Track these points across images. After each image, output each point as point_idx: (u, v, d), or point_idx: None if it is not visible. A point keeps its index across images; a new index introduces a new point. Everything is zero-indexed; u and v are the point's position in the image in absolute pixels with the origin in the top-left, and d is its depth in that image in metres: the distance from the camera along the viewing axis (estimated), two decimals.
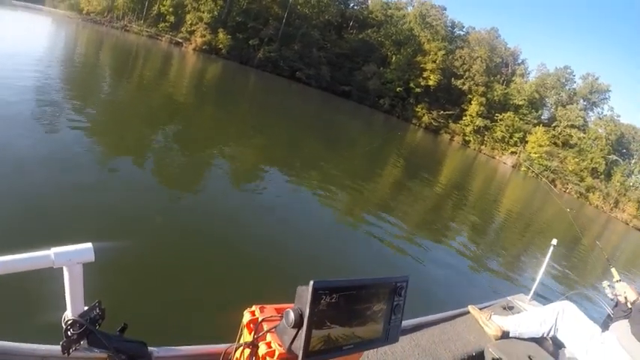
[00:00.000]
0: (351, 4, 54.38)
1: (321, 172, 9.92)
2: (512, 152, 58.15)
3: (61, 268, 0.93)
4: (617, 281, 2.55)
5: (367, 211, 8.22)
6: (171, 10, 49.73)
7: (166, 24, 49.60)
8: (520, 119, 57.93)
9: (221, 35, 46.34)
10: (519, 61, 61.25)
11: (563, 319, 2.53)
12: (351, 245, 6.12)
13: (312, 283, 0.94)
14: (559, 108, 62.19)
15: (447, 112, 51.07)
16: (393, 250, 6.58)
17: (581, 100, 64.33)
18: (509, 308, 3.11)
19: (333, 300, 0.98)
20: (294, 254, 4.91)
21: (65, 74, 13.35)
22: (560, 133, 61.11)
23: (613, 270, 2.70)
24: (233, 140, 10.27)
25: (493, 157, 56.35)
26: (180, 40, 47.95)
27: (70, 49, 22.76)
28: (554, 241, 3.24)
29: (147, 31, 49.57)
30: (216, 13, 47.60)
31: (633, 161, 65.46)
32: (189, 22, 48.25)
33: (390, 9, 53.34)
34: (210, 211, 5.24)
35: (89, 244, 0.96)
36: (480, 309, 2.99)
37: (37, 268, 0.88)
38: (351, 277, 1.07)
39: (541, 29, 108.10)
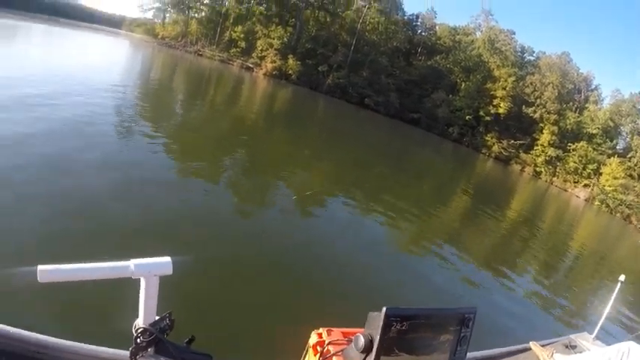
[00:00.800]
0: (419, 31, 54.12)
1: (389, 199, 9.85)
2: (585, 185, 54.76)
3: (138, 279, 0.97)
4: None
5: (434, 240, 8.23)
6: (242, 36, 51.72)
7: (238, 49, 51.54)
8: (594, 149, 54.70)
9: (291, 61, 47.41)
10: (592, 86, 58.18)
11: None
12: (417, 273, 6.14)
13: (384, 309, 0.96)
14: (635, 137, 58.19)
15: (518, 142, 48.97)
16: (457, 280, 6.54)
17: None
18: (572, 347, 2.99)
19: (403, 327, 0.99)
20: (361, 280, 4.94)
21: (142, 95, 14.15)
22: (636, 165, 56.95)
23: None
24: (302, 164, 10.40)
25: (565, 190, 53.32)
26: (251, 65, 49.51)
27: (146, 71, 24.06)
28: (622, 278, 3.07)
29: (219, 56, 51.70)
30: (285, 39, 48.96)
31: None
32: (259, 48, 49.85)
33: (458, 34, 52.54)
34: (281, 232, 5.34)
35: (168, 258, 0.99)
36: (542, 346, 2.88)
37: (117, 277, 0.93)
38: (416, 305, 1.05)
39: (615, 53, 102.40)
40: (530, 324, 5.90)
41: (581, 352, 2.91)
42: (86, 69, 15.54)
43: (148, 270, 0.97)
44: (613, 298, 3.18)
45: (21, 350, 1.12)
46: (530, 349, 2.86)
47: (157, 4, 62.41)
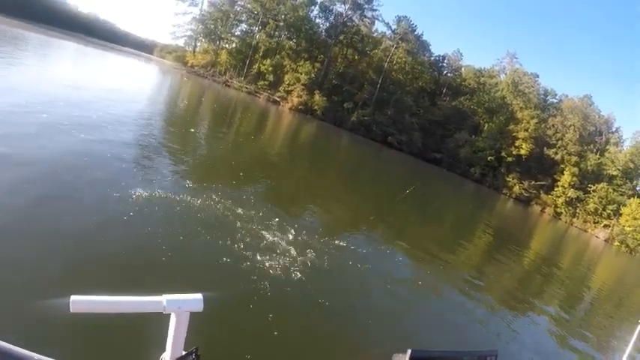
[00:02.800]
0: (445, 72, 55.48)
1: (411, 237, 10.10)
2: (605, 225, 54.85)
3: (169, 314, 0.99)
4: None
5: (455, 280, 8.31)
6: (270, 69, 53.54)
7: (265, 82, 53.33)
8: (614, 190, 54.93)
9: (317, 97, 48.96)
10: (613, 129, 58.71)
11: None
12: (437, 314, 6.22)
13: (409, 351, 0.96)
14: None
15: (539, 183, 49.58)
16: (478, 321, 6.61)
17: None
18: None
19: None
20: (379, 321, 4.96)
21: (168, 122, 14.40)
22: None
23: None
24: (326, 200, 10.45)
25: (585, 231, 53.44)
26: (277, 99, 51.18)
27: (174, 99, 24.52)
28: None
29: (246, 88, 53.48)
30: (313, 75, 50.60)
31: None
32: (287, 82, 51.55)
33: (482, 76, 53.76)
34: (307, 271, 5.33)
35: (199, 295, 1.01)
36: None
37: (148, 311, 0.94)
38: (438, 347, 1.10)
39: (634, 94, 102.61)
40: None
41: None
42: (116, 94, 15.97)
43: (179, 306, 0.98)
44: (632, 342, 3.20)
45: None
46: None
47: (189, 33, 64.93)
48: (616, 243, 54.11)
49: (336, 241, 7.07)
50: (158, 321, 1.01)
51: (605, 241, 53.71)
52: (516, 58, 54.39)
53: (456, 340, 5.29)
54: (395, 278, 6.83)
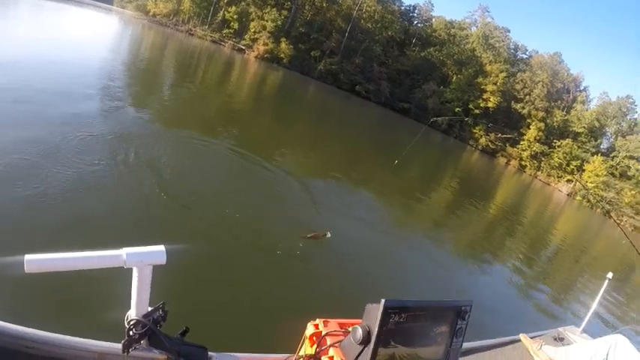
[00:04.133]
0: (415, 22, 54.30)
1: (376, 188, 10.03)
2: (568, 180, 56.23)
3: (131, 269, 0.94)
4: None
5: (421, 232, 8.42)
6: (235, 17, 51.09)
7: (230, 30, 50.97)
8: (578, 147, 56.13)
9: (283, 45, 47.16)
10: (581, 88, 59.38)
11: (615, 354, 2.46)
12: (408, 266, 6.22)
13: (383, 301, 0.95)
14: (619, 138, 59.86)
15: (505, 136, 49.90)
16: (446, 272, 6.66)
17: None
18: (560, 339, 3.10)
19: (401, 319, 0.99)
20: (356, 271, 4.99)
21: (129, 74, 13.84)
22: (618, 164, 58.71)
23: None
24: (292, 150, 10.31)
25: (548, 184, 54.69)
26: (242, 47, 49.09)
27: (135, 50, 23.47)
28: (610, 275, 3.23)
29: (211, 36, 51.05)
30: (279, 22, 48.55)
31: None
32: (252, 30, 49.40)
33: (453, 28, 52.96)
34: (277, 222, 5.30)
35: (162, 247, 0.96)
36: (531, 338, 2.99)
37: (108, 266, 0.89)
38: (412, 297, 1.07)
39: (605, 56, 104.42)
40: (520, 316, 6.17)
41: (569, 344, 3.02)
42: (73, 48, 15.19)
43: (141, 259, 0.93)
44: (600, 294, 3.31)
45: (10, 345, 1.07)
46: (519, 340, 2.98)
47: None
48: (578, 198, 55.71)
49: (302, 191, 6.77)
50: (123, 278, 1.00)
51: (567, 195, 55.16)
52: (488, 12, 53.72)
53: (428, 292, 5.28)
54: (363, 229, 6.57)
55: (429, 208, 10.84)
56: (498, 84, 49.41)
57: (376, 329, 0.96)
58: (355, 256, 5.45)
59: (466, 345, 2.44)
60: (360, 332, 0.99)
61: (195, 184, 5.57)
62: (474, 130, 49.11)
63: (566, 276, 10.73)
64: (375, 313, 0.97)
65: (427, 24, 53.67)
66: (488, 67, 50.05)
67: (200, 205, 4.97)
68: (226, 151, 7.76)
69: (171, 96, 12.67)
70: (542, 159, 53.57)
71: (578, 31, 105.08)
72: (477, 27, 53.53)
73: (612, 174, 57.82)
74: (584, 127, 56.24)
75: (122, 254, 0.90)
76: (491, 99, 49.09)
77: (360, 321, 1.05)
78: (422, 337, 1.10)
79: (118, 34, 32.11)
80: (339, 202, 7.26)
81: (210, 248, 4.06)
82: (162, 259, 0.96)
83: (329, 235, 5.13)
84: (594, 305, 3.37)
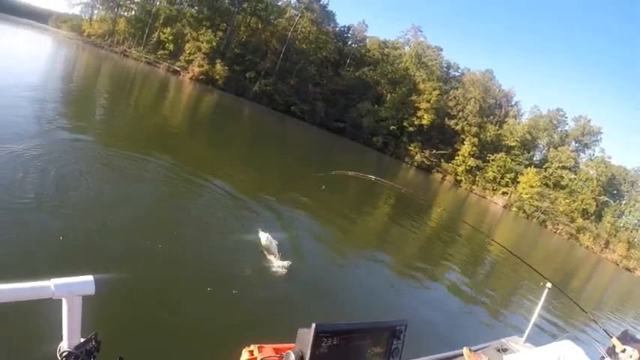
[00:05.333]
0: (350, 42, 55.61)
1: (311, 209, 9.81)
2: (503, 192, 58.59)
3: (60, 300, 0.93)
4: (623, 351, 2.57)
5: (358, 250, 8.34)
6: (170, 38, 50.46)
7: (165, 51, 50.22)
8: (512, 160, 58.71)
9: (218, 66, 46.93)
10: (513, 102, 62.55)
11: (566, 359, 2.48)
12: (345, 287, 6.18)
13: (314, 325, 0.96)
14: (551, 149, 63.28)
15: (440, 152, 51.56)
16: (385, 291, 6.64)
17: (573, 142, 65.61)
18: (504, 350, 3.10)
19: (334, 343, 0.99)
20: (290, 293, 4.94)
21: (61, 97, 13.45)
22: (551, 174, 61.91)
23: (614, 340, 2.72)
24: (225, 172, 10.10)
25: (484, 197, 56.68)
26: (177, 69, 48.42)
27: (68, 72, 22.76)
28: (549, 285, 3.27)
29: (146, 57, 50.06)
30: (214, 43, 48.39)
31: (624, 202, 66.31)
32: (187, 52, 48.89)
33: (387, 48, 54.57)
34: (209, 245, 5.24)
35: (90, 277, 0.95)
36: (474, 351, 2.97)
37: (36, 298, 0.88)
38: (348, 320, 1.11)
39: (534, 70, 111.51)
40: (462, 330, 6.08)
41: (512, 354, 3.01)
42: (2, 70, 14.49)
43: (69, 290, 0.91)
44: (541, 303, 3.32)
45: None
46: (462, 354, 2.91)
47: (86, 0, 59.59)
48: (514, 209, 58.06)
49: (235, 216, 6.59)
50: (51, 308, 0.99)
51: (503, 207, 57.40)
52: (421, 31, 55.88)
53: (360, 312, 5.16)
54: (297, 249, 6.44)
55: (365, 227, 10.76)
56: (432, 101, 51.12)
57: (308, 354, 0.96)
58: (290, 278, 5.33)
59: None
60: (292, 358, 0.99)
61: (127, 208, 5.48)
62: (409, 148, 50.39)
63: (506, 287, 10.84)
64: (306, 337, 0.97)
65: (361, 44, 55.10)
66: (421, 85, 51.76)
67: (130, 229, 4.92)
68: (158, 174, 7.58)
69: (104, 118, 12.36)
70: (477, 173, 55.65)
71: (508, 47, 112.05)
72: (409, 46, 55.50)
73: (546, 184, 60.81)
74: (516, 141, 58.98)
75: (50, 285, 0.88)
76: (425, 116, 50.64)
77: (294, 345, 1.03)
78: (357, 359, 1.09)
79: (52, 55, 31.03)
80: (272, 223, 7.08)
81: (142, 275, 4.00)
82: (91, 290, 0.94)
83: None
84: (535, 315, 3.37)
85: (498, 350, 3.08)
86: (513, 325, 6.97)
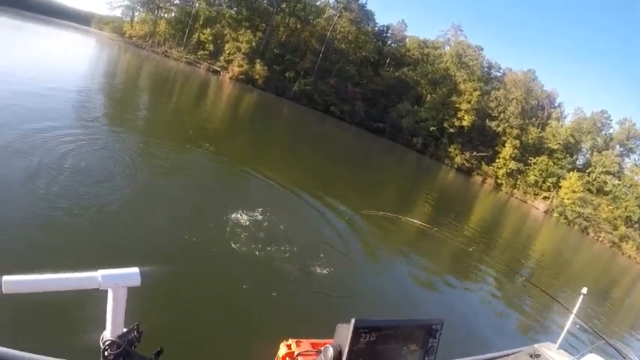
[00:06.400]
0: (389, 42, 54.82)
1: (353, 209, 9.68)
2: (544, 197, 56.43)
3: (106, 290, 0.96)
4: None
5: (399, 250, 8.36)
6: (210, 38, 51.02)
7: (205, 52, 50.79)
8: (554, 164, 56.49)
9: (258, 66, 47.04)
10: (556, 104, 60.21)
11: None
12: (383, 284, 6.16)
13: (353, 321, 0.97)
14: (594, 153, 60.56)
15: (480, 154, 50.03)
16: (421, 291, 6.65)
17: (618, 146, 62.64)
18: (536, 356, 3.03)
19: (371, 339, 1.00)
20: (330, 290, 4.92)
21: (106, 97, 13.82)
22: (594, 180, 59.23)
23: None
24: (266, 171, 10.02)
25: (525, 202, 54.73)
26: (217, 69, 48.82)
27: (111, 72, 23.20)
28: (585, 290, 3.19)
29: (186, 58, 50.76)
30: (254, 44, 48.58)
31: None
32: (227, 52, 49.29)
33: (427, 48, 53.47)
34: (249, 243, 5.19)
35: (136, 269, 0.98)
36: (506, 355, 2.95)
37: (84, 288, 0.92)
38: (384, 316, 1.05)
39: (579, 71, 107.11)
40: (495, 334, 6.04)
41: None
42: (47, 70, 14.88)
43: (116, 281, 0.95)
44: (576, 309, 3.26)
45: None
46: (496, 358, 2.89)
47: (126, 2, 61.04)
48: (555, 214, 55.83)
49: (278, 213, 6.55)
50: (98, 298, 1.04)
51: (544, 212, 55.28)
52: (461, 31, 54.43)
53: (401, 311, 5.24)
54: (338, 248, 6.46)
55: (403, 229, 10.55)
56: (472, 102, 49.72)
57: (347, 349, 0.97)
58: (331, 275, 5.32)
59: None
60: (331, 352, 1.00)
61: (170, 201, 5.58)
62: (450, 149, 49.11)
63: (543, 294, 10.39)
64: (345, 332, 0.98)
65: (401, 44, 54.17)
66: (462, 86, 50.43)
67: (175, 222, 4.98)
68: (203, 169, 7.78)
69: (148, 116, 12.70)
70: (518, 177, 53.72)
71: (551, 47, 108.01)
72: (450, 46, 54.17)
73: (589, 190, 58.24)
74: (559, 144, 56.73)
75: (97, 276, 0.92)
76: (465, 117, 49.30)
77: (332, 341, 1.04)
78: (394, 355, 1.09)
79: (96, 56, 31.72)
80: (313, 221, 7.15)
81: (185, 269, 4.08)
82: (136, 281, 0.97)
83: None
84: (570, 321, 3.32)
85: (531, 356, 3.02)
86: (548, 332, 6.92)
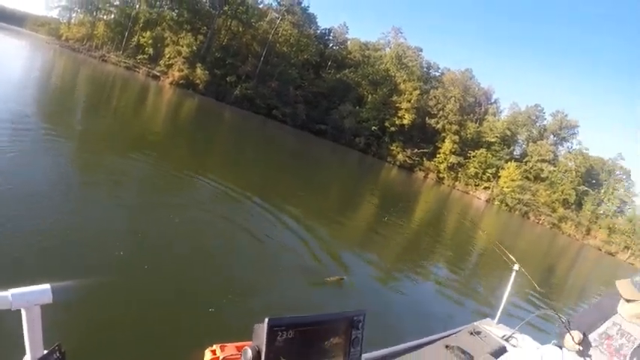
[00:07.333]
0: (331, 45, 55.50)
1: (297, 210, 9.64)
2: (485, 187, 59.54)
3: (19, 310, 0.91)
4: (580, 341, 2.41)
5: (341, 247, 8.20)
6: (150, 42, 49.63)
7: (145, 56, 49.43)
8: (492, 155, 59.59)
9: (199, 70, 46.45)
10: (492, 100, 63.30)
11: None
12: (302, 279, 5.92)
13: (267, 320, 0.96)
14: (530, 144, 64.37)
15: (421, 150, 52.10)
16: (367, 283, 6.63)
17: (552, 136, 66.84)
18: (477, 333, 3.13)
19: (290, 336, 0.99)
20: (255, 291, 4.81)
21: (38, 103, 13.16)
22: (531, 168, 63.07)
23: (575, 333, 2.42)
24: (205, 177, 9.70)
25: (467, 193, 57.54)
26: (157, 74, 47.79)
27: (45, 79, 22.13)
28: (516, 267, 3.34)
29: (125, 62, 49.24)
30: (195, 47, 47.81)
31: (602, 191, 67.95)
32: (167, 56, 48.27)
33: (368, 50, 54.67)
34: (169, 250, 5.10)
35: (47, 286, 0.94)
36: (447, 336, 3.03)
37: None
38: (316, 312, 1.10)
39: (513, 68, 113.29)
40: (435, 317, 6.18)
41: (485, 337, 3.07)
42: None
43: (27, 299, 0.89)
44: (510, 285, 3.39)
45: None
46: (436, 340, 2.91)
47: (64, 2, 58.22)
48: (496, 202, 59.10)
49: (214, 217, 6.42)
50: (13, 320, 0.96)
51: (486, 201, 58.37)
52: (401, 33, 56.12)
53: (337, 305, 5.05)
54: (277, 248, 6.31)
55: (347, 225, 10.62)
56: (412, 101, 51.50)
57: (264, 349, 0.96)
58: (255, 276, 5.16)
59: (383, 351, 2.42)
60: (249, 353, 0.99)
61: (100, 214, 5.29)
62: (391, 147, 50.80)
63: (483, 275, 11.02)
64: (261, 332, 0.97)
65: (342, 46, 55.10)
66: (402, 86, 52.06)
67: (101, 236, 4.79)
68: (137, 180, 7.38)
69: (83, 126, 12.07)
70: (459, 170, 56.41)
71: (487, 46, 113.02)
72: (390, 48, 55.62)
73: (527, 177, 61.93)
74: (496, 137, 59.84)
75: (8, 295, 0.86)
76: (406, 116, 51.05)
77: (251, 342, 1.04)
78: (316, 351, 1.08)
79: (29, 61, 29.96)
80: (252, 224, 6.89)
81: (99, 283, 3.82)
82: (48, 298, 0.92)
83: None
84: (505, 297, 3.45)
85: (471, 333, 3.10)
86: (486, 309, 7.08)
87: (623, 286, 2.15)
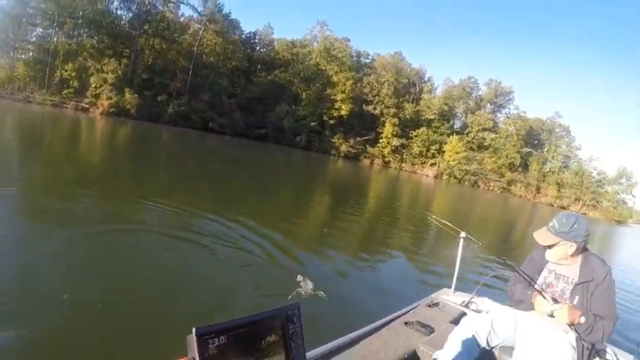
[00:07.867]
0: (258, 48, 55.77)
1: (246, 217, 9.25)
2: (432, 164, 61.72)
3: None
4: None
5: (295, 245, 7.96)
6: (74, 74, 48.28)
7: (70, 90, 48.02)
8: (434, 132, 61.80)
9: (128, 95, 45.71)
10: (425, 78, 65.50)
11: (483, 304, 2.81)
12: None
13: (194, 329, 0.95)
14: (469, 115, 67.22)
15: (364, 138, 53.38)
16: (327, 271, 6.59)
17: (489, 105, 70.03)
18: (435, 305, 3.13)
19: (222, 342, 0.98)
20: (210, 309, 4.48)
21: None
22: (473, 138, 65.88)
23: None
24: (149, 203, 9.05)
25: (415, 172, 59.46)
26: (86, 106, 46.63)
27: None
28: (463, 234, 3.37)
29: (51, 100, 47.66)
30: (120, 72, 46.97)
31: (545, 150, 71.82)
32: (93, 85, 47.13)
33: (295, 47, 55.33)
34: (117, 278, 4.79)
35: None
36: (407, 312, 3.01)
37: None
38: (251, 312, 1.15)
39: (442, 43, 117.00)
40: (399, 295, 6.08)
41: (444, 307, 3.08)
42: None
43: None
44: (459, 253, 3.43)
45: None
46: (395, 318, 2.88)
47: None
48: (445, 176, 61.41)
49: (165, 238, 6.15)
50: None
51: (434, 177, 60.56)
52: (327, 26, 57.17)
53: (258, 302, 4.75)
54: (236, 260, 5.92)
55: (304, 226, 10.51)
56: (347, 91, 52.66)
57: (197, 358, 0.94)
58: (202, 283, 5.00)
59: (342, 339, 2.38)
60: None
61: (40, 258, 4.86)
62: (333, 140, 51.79)
63: (437, 248, 10.99)
64: (192, 343, 0.94)
65: (269, 48, 55.58)
66: (335, 78, 53.10)
67: (39, 279, 4.38)
68: (74, 218, 6.84)
69: (16, 174, 10.84)
70: (403, 151, 58.29)
71: (414, 24, 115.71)
72: (317, 42, 56.58)
73: (470, 148, 64.67)
74: (435, 114, 62.18)
75: None
76: (343, 107, 52.15)
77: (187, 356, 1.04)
78: (254, 352, 1.06)
79: None
80: (205, 240, 6.55)
81: (41, 327, 3.45)
82: None
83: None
84: (457, 265, 3.50)
85: (429, 305, 3.09)
86: (445, 280, 7.18)
87: (540, 235, 2.27)
